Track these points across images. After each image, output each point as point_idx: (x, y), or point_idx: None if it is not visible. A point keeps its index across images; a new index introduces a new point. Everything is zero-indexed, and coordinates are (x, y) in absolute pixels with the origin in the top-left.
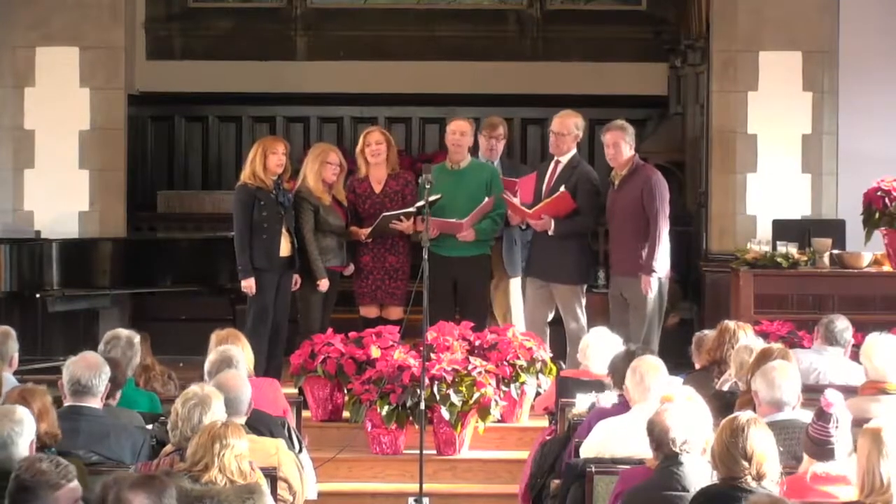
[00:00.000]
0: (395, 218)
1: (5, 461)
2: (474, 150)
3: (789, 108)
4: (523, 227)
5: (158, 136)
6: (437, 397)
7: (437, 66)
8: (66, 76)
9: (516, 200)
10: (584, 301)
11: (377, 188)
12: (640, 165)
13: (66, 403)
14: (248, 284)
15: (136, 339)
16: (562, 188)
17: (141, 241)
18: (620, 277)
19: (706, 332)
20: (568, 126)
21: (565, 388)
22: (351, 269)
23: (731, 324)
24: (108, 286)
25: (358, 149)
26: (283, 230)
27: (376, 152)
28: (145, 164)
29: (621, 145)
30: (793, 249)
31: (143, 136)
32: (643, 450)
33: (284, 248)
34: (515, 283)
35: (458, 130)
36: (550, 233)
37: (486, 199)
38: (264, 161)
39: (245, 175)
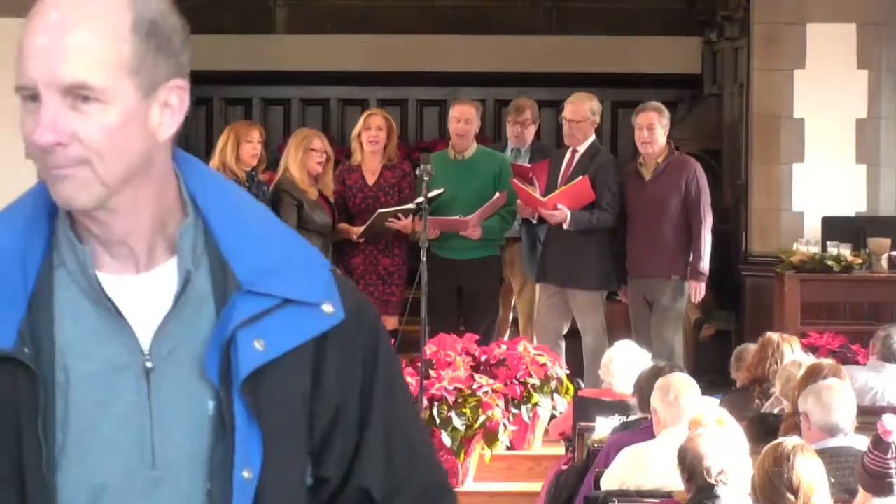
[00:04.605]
0: (393, 215)
1: None
2: (488, 136)
3: (841, 89)
4: (534, 220)
5: None
6: (438, 420)
7: (437, 40)
8: (13, 53)
9: (534, 191)
10: (604, 310)
11: (370, 179)
12: (679, 156)
13: None
14: None
15: None
16: (580, 177)
17: None
18: (646, 280)
19: (749, 345)
20: (582, 112)
21: (584, 409)
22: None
23: (774, 336)
24: None
25: (355, 132)
26: None
27: (375, 139)
28: None
29: (656, 128)
30: (845, 251)
31: None
32: (673, 481)
33: None
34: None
35: (463, 117)
36: (566, 226)
37: (498, 193)
38: (237, 150)
39: (213, 165)
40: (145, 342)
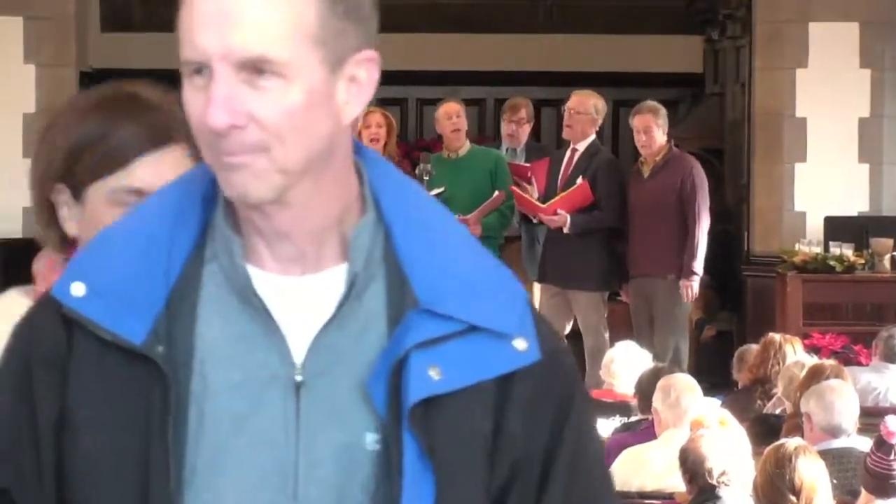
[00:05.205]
0: None
1: None
2: (489, 136)
3: (844, 88)
4: (535, 219)
5: None
6: None
7: (436, 38)
8: (8, 50)
9: (532, 190)
10: (606, 311)
11: None
12: (678, 154)
13: None
14: None
15: None
16: (579, 179)
17: None
18: (646, 279)
19: (751, 346)
20: (586, 105)
21: None
22: None
23: (776, 337)
24: None
25: (355, 130)
26: None
27: (376, 136)
28: None
29: (654, 130)
30: (848, 251)
31: None
32: (675, 482)
33: None
34: (539, 289)
35: (454, 113)
36: (566, 230)
37: (497, 192)
38: None
39: None
40: (299, 354)
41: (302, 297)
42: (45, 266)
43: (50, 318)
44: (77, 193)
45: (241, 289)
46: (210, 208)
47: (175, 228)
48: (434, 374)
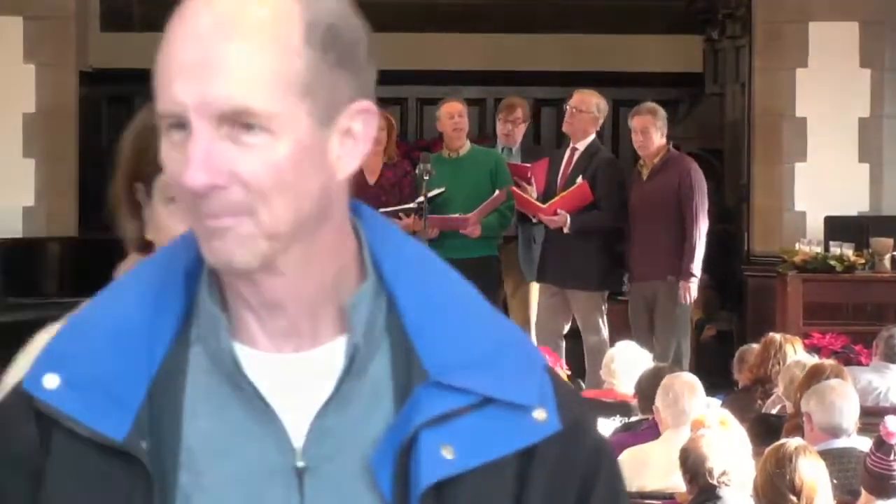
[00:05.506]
0: (394, 215)
1: None
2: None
3: (844, 88)
4: (534, 219)
5: (114, 120)
6: None
7: (436, 38)
8: (8, 50)
9: (532, 190)
10: (605, 310)
11: (371, 179)
12: (676, 155)
13: None
14: None
15: None
16: (579, 179)
17: (94, 241)
18: (645, 282)
19: (752, 345)
20: (588, 103)
21: None
22: None
23: (777, 337)
24: (57, 293)
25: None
26: None
27: (377, 138)
28: (99, 153)
29: (651, 132)
30: (848, 251)
31: (96, 119)
32: (675, 482)
33: None
34: (535, 290)
35: (457, 112)
36: (566, 230)
37: (497, 191)
38: None
39: None
40: (297, 438)
41: (297, 376)
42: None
43: (19, 412)
44: (149, 191)
45: (230, 373)
46: (194, 284)
47: (156, 309)
48: (447, 453)
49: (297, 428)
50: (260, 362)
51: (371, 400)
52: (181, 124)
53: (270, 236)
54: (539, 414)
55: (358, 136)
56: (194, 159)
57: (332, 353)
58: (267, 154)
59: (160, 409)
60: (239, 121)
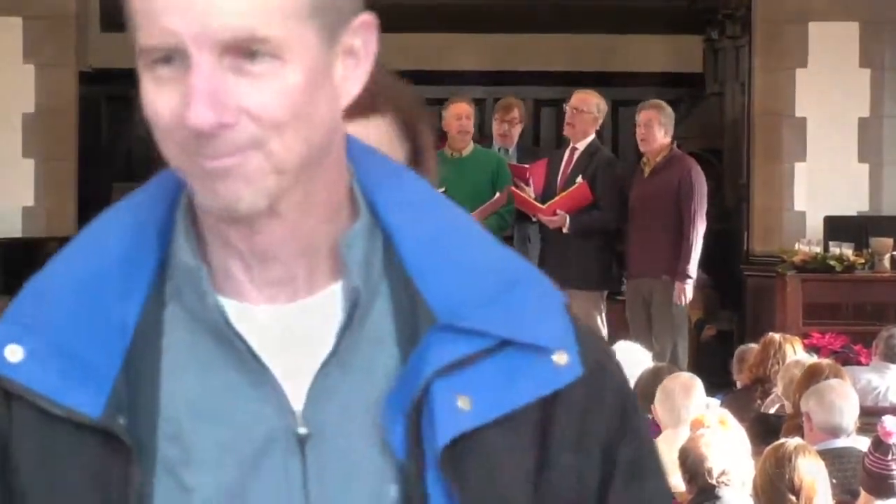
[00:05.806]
0: None
1: None
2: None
3: (844, 88)
4: (534, 219)
5: (114, 120)
6: None
7: (436, 38)
8: (7, 50)
9: (530, 191)
10: (604, 310)
11: None
12: (679, 155)
13: None
14: None
15: None
16: (578, 179)
17: None
18: (643, 280)
19: (751, 345)
20: (589, 104)
21: None
22: None
23: (776, 337)
24: None
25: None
26: None
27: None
28: (99, 153)
29: (654, 126)
30: (848, 251)
31: (96, 119)
32: (675, 482)
33: None
34: None
35: (464, 113)
36: (565, 230)
37: (498, 193)
38: None
39: None
40: (297, 399)
41: (294, 328)
42: None
43: None
44: None
45: (217, 330)
46: (166, 241)
47: (126, 265)
48: (463, 404)
49: (295, 388)
50: (250, 316)
51: (375, 350)
52: (169, 57)
53: (279, 171)
54: (560, 357)
55: (360, 55)
56: (198, 96)
57: (329, 300)
58: (277, 83)
59: (137, 377)
60: (246, 49)
